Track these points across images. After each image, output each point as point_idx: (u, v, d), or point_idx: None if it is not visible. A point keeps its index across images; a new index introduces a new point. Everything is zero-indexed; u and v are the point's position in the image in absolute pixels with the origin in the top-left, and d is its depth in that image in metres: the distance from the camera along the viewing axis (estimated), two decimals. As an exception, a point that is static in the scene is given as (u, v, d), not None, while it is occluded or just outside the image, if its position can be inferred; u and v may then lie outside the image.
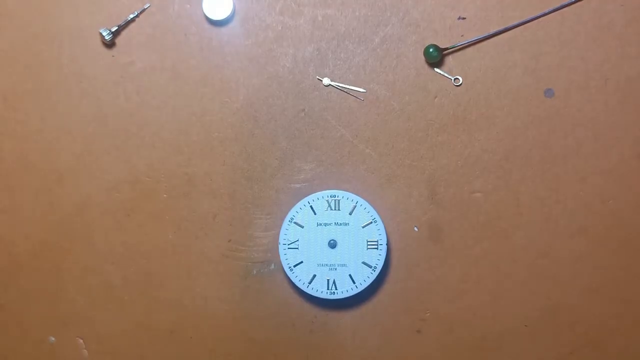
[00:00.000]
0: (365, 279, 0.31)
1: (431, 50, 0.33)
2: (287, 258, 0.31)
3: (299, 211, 0.32)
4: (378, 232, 0.31)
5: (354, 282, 0.31)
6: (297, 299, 0.33)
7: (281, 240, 0.31)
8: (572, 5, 0.34)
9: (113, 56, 0.35)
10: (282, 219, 0.32)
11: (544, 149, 0.33)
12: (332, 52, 0.35)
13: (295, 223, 0.31)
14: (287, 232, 0.31)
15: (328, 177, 0.34)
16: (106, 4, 0.36)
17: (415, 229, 0.34)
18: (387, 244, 0.31)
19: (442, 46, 0.34)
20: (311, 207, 0.31)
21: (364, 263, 0.31)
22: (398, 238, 0.33)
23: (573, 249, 0.33)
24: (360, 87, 0.34)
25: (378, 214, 0.31)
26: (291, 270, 0.31)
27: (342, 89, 0.34)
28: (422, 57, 0.34)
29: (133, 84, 0.35)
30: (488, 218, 0.33)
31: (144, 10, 0.35)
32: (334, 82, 0.35)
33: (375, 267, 0.31)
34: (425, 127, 0.34)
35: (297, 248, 0.31)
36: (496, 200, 0.33)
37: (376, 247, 0.31)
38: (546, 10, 0.34)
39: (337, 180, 0.34)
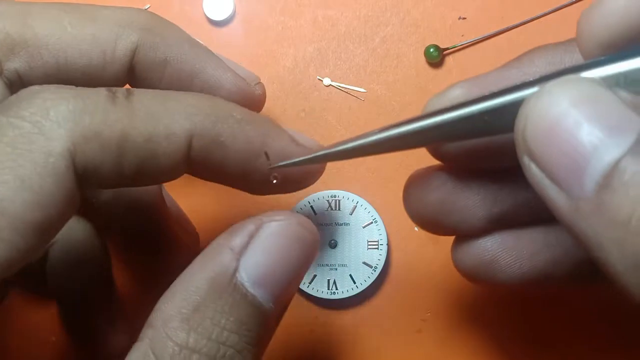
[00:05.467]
0: (366, 279, 0.31)
1: (431, 50, 0.33)
2: None
3: (300, 211, 0.31)
4: (379, 232, 0.31)
5: (354, 282, 0.31)
6: (297, 299, 0.33)
7: None
8: (572, 5, 0.34)
9: (113, 56, 0.35)
10: None
11: (544, 149, 0.33)
12: (333, 52, 0.35)
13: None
14: None
15: (328, 177, 0.34)
16: (106, 4, 0.36)
17: (416, 229, 0.34)
18: (387, 244, 0.31)
19: (442, 46, 0.34)
20: (312, 207, 0.31)
21: (364, 263, 0.31)
22: (398, 238, 0.33)
23: (573, 249, 0.33)
24: (360, 87, 0.34)
25: (378, 214, 0.31)
26: None
27: (342, 89, 0.35)
28: (423, 57, 0.34)
29: (133, 84, 0.35)
30: (488, 218, 0.33)
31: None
32: (335, 82, 0.35)
33: (375, 267, 0.31)
34: (425, 127, 0.34)
35: None
36: (496, 200, 0.33)
37: (377, 247, 0.31)
38: (546, 11, 0.34)
39: (337, 180, 0.34)
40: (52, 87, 0.19)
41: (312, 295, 0.31)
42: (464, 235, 0.23)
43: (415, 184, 0.23)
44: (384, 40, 0.35)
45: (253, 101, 0.26)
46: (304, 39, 0.35)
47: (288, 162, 0.21)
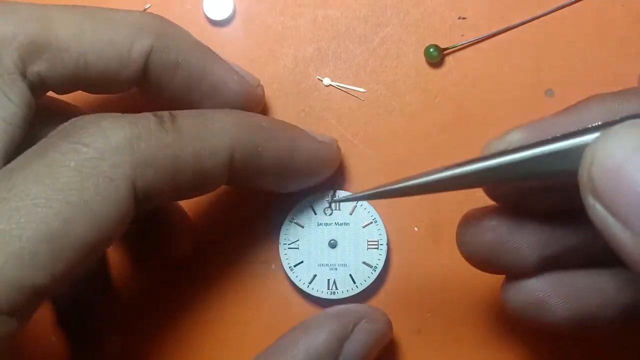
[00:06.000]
0: (366, 278, 0.31)
1: (431, 50, 0.33)
2: (287, 258, 0.30)
3: (300, 211, 0.32)
4: (378, 232, 0.31)
5: (354, 282, 0.31)
6: (297, 299, 0.33)
7: (281, 240, 0.31)
8: (572, 5, 0.34)
9: (113, 56, 0.35)
10: (283, 219, 0.32)
11: (544, 149, 0.33)
12: (333, 52, 0.35)
13: (295, 223, 0.31)
14: (288, 232, 0.31)
15: (328, 177, 0.34)
16: (106, 4, 0.36)
17: (416, 229, 0.34)
18: (387, 244, 0.31)
19: (442, 46, 0.34)
20: (311, 207, 0.31)
21: (364, 263, 0.31)
22: (398, 238, 0.33)
23: (573, 249, 0.33)
24: (360, 87, 0.34)
25: (378, 213, 0.31)
26: (291, 270, 0.30)
27: (342, 89, 0.35)
28: (423, 57, 0.34)
29: (133, 84, 0.35)
30: (488, 218, 0.33)
31: (144, 10, 0.36)
32: (335, 82, 0.35)
33: (375, 267, 0.30)
34: (425, 127, 0.34)
35: (298, 248, 0.31)
36: (496, 200, 0.33)
37: (377, 247, 0.31)
38: (546, 10, 0.34)
39: (337, 180, 0.34)
40: (108, 115, 0.20)
41: (312, 295, 0.31)
42: (515, 275, 0.23)
43: (469, 224, 0.24)
44: (384, 40, 0.35)
45: (256, 101, 0.29)
46: (304, 39, 0.35)
47: (347, 197, 0.25)
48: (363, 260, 0.31)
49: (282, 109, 0.35)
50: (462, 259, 0.34)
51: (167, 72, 0.24)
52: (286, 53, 0.35)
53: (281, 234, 0.31)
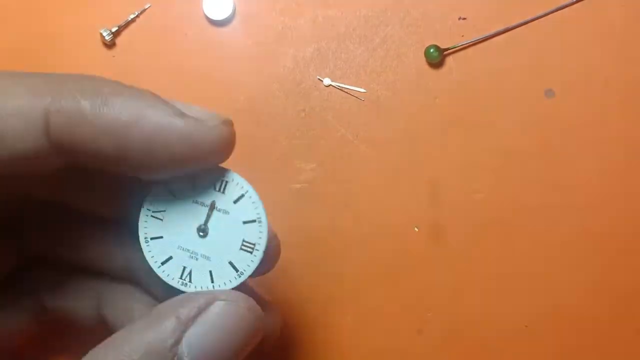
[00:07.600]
0: (226, 281, 0.25)
1: (432, 50, 0.33)
2: (146, 227, 0.24)
3: (177, 179, 0.25)
4: (259, 235, 0.25)
5: (212, 282, 0.25)
6: (298, 298, 0.33)
7: (145, 204, 0.25)
8: (572, 6, 0.34)
9: (113, 56, 0.35)
10: (283, 220, 0.30)
11: (544, 149, 0.33)
12: (333, 52, 0.35)
13: (168, 189, 0.25)
14: (155, 197, 0.25)
15: (328, 177, 0.34)
16: (106, 4, 0.36)
17: (416, 229, 0.34)
18: (264, 251, 0.25)
19: (442, 46, 0.34)
20: (192, 180, 0.25)
21: (230, 263, 0.25)
22: (398, 238, 0.33)
23: (574, 249, 0.33)
24: (360, 87, 0.34)
25: (266, 214, 0.25)
26: (147, 242, 0.25)
27: (342, 89, 0.35)
28: (423, 58, 0.34)
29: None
30: (488, 218, 0.33)
31: (144, 10, 0.36)
32: (335, 82, 0.35)
33: (241, 273, 0.25)
34: (425, 127, 0.34)
35: (162, 219, 0.25)
36: (496, 200, 0.33)
37: (251, 251, 0.25)
38: (546, 11, 0.34)
39: (337, 180, 0.34)
40: None
41: (161, 278, 0.25)
42: None
43: None
44: (384, 40, 0.35)
45: (217, 143, 0.22)
46: (304, 39, 0.35)
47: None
48: (230, 260, 0.25)
49: (282, 109, 0.35)
50: (462, 258, 0.34)
51: (77, 132, 0.20)
52: (286, 53, 0.35)
53: (147, 197, 0.25)
